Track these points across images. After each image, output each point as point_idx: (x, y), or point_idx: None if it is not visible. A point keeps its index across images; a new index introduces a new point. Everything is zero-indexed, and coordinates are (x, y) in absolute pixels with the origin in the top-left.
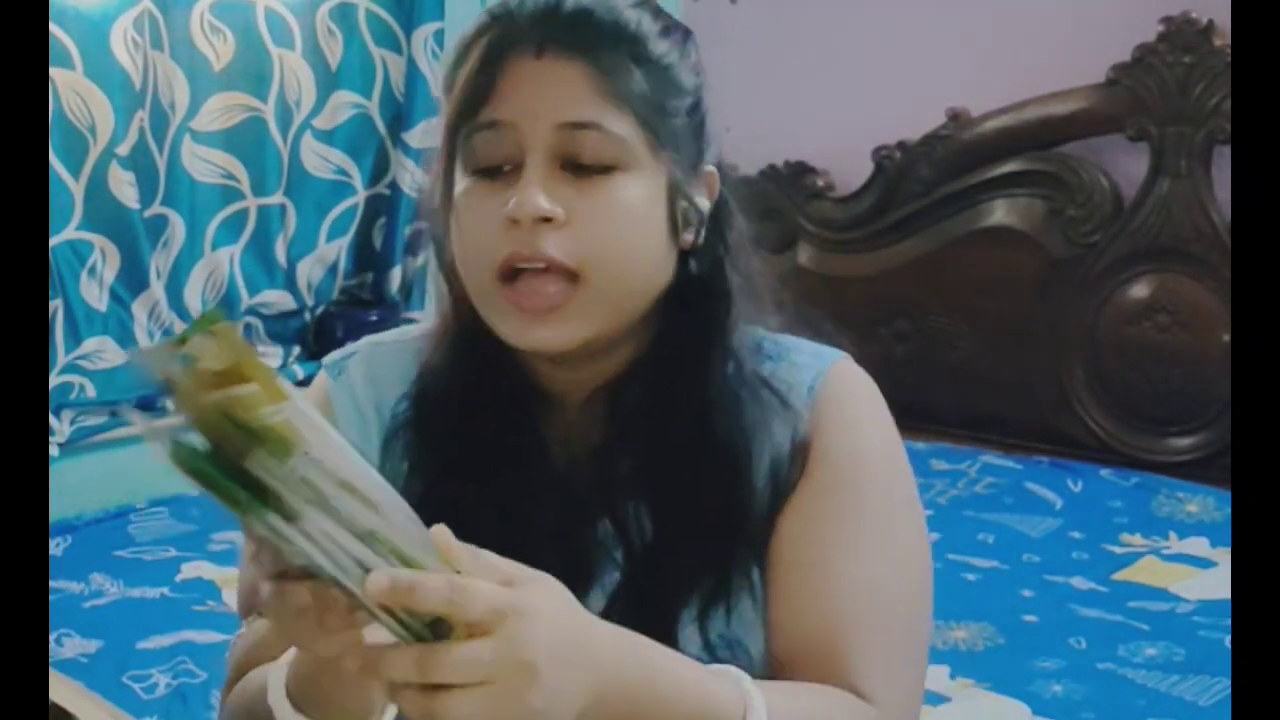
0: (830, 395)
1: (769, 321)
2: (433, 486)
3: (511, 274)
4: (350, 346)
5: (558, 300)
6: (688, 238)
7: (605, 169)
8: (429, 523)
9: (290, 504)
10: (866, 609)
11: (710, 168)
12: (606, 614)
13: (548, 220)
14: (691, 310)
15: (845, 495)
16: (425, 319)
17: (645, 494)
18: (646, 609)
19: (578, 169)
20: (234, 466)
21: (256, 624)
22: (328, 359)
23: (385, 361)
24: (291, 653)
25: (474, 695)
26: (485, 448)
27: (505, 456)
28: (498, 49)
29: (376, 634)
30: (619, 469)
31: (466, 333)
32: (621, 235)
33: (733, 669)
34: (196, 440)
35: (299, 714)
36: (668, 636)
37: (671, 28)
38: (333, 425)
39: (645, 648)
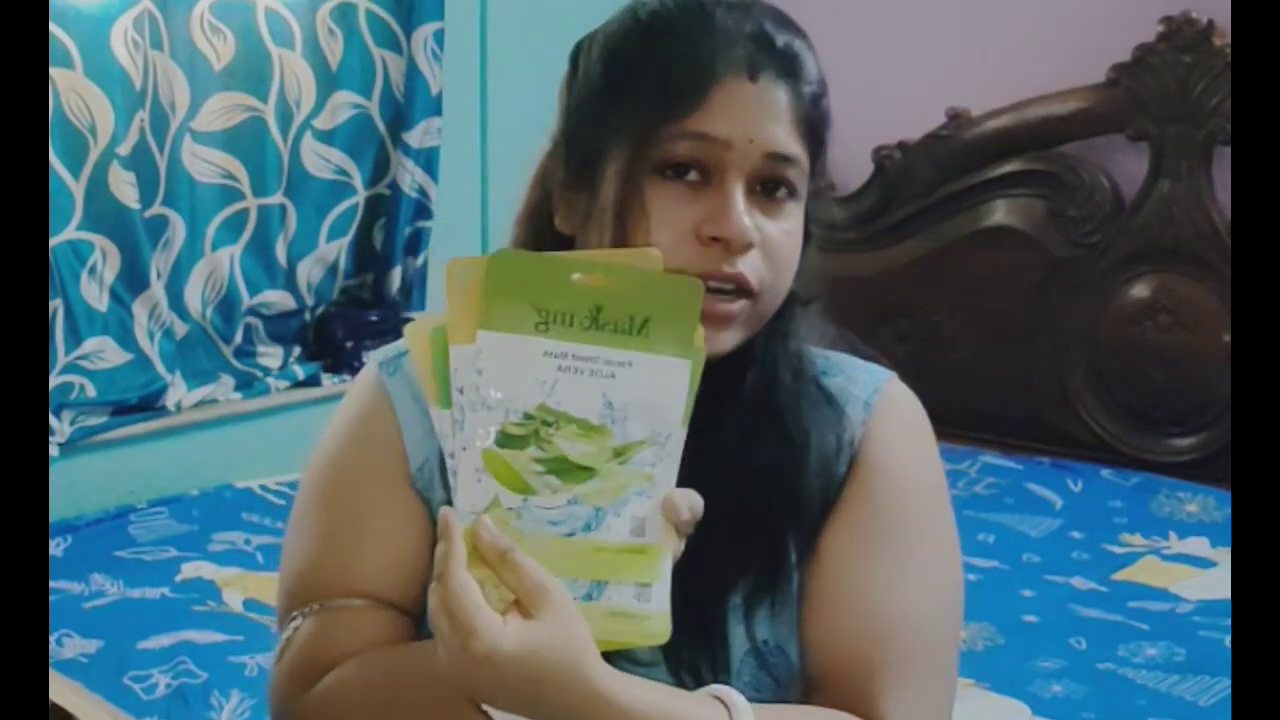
0: (885, 410)
1: (828, 329)
2: None
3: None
4: (400, 344)
5: (734, 311)
6: None
7: (784, 195)
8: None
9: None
10: (899, 633)
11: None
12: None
13: (747, 244)
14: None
15: (893, 514)
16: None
17: (702, 487)
18: (691, 604)
19: (764, 192)
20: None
21: (315, 620)
22: (379, 356)
23: None
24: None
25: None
26: None
27: None
28: (710, 60)
29: None
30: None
31: None
32: (790, 261)
33: (733, 693)
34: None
35: None
36: (718, 628)
37: (813, 48)
38: (394, 420)
39: (640, 693)
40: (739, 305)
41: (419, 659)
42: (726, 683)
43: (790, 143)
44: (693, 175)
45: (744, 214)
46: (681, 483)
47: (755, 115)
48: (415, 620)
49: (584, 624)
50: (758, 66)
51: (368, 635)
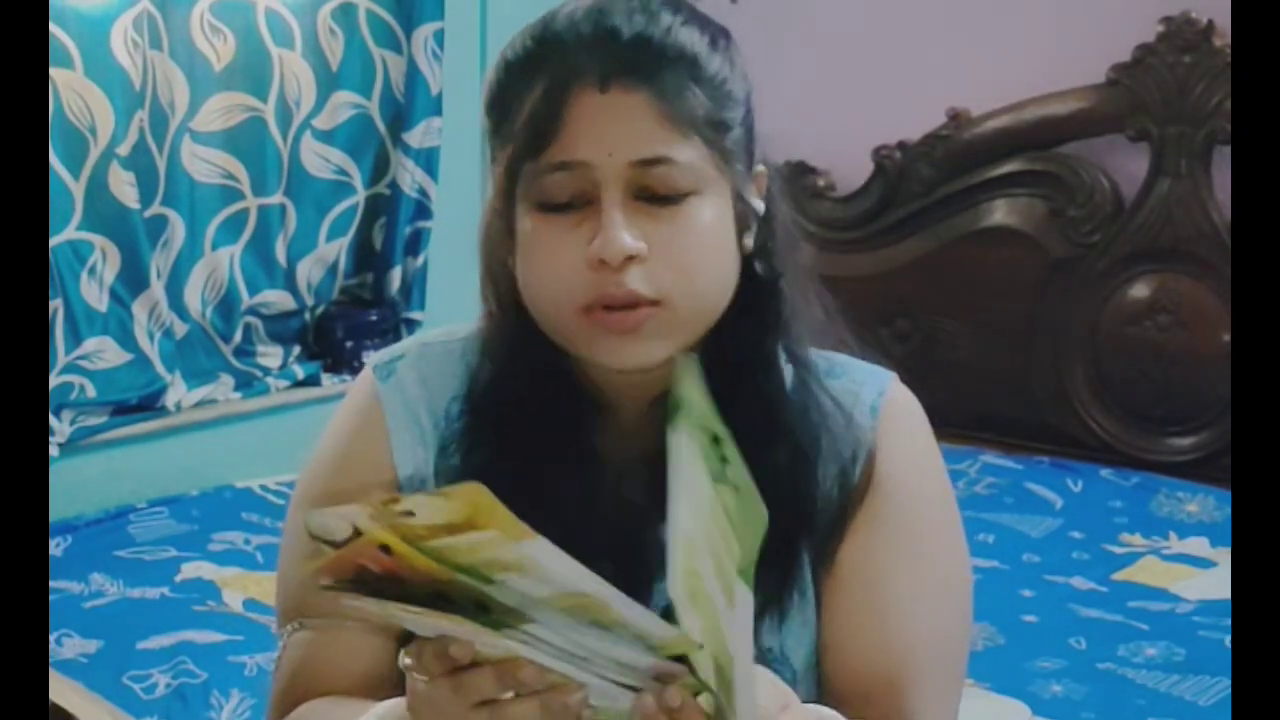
0: (892, 416)
1: (815, 314)
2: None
3: (595, 306)
4: (397, 348)
5: (643, 319)
6: (748, 242)
7: (678, 196)
8: None
9: (523, 612)
10: (924, 643)
11: (760, 168)
12: (664, 616)
13: (632, 258)
14: (752, 310)
15: (909, 521)
16: (425, 318)
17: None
18: None
19: (652, 199)
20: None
21: (303, 636)
22: (375, 360)
23: (435, 364)
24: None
25: None
26: (542, 455)
27: (563, 465)
28: (559, 83)
29: None
30: None
31: (521, 339)
32: (700, 259)
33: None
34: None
35: None
36: None
37: (716, 36)
38: (384, 429)
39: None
40: (641, 313)
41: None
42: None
43: (657, 144)
44: (575, 204)
45: (619, 228)
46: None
47: (611, 127)
48: (399, 641)
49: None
50: (608, 74)
51: (349, 657)
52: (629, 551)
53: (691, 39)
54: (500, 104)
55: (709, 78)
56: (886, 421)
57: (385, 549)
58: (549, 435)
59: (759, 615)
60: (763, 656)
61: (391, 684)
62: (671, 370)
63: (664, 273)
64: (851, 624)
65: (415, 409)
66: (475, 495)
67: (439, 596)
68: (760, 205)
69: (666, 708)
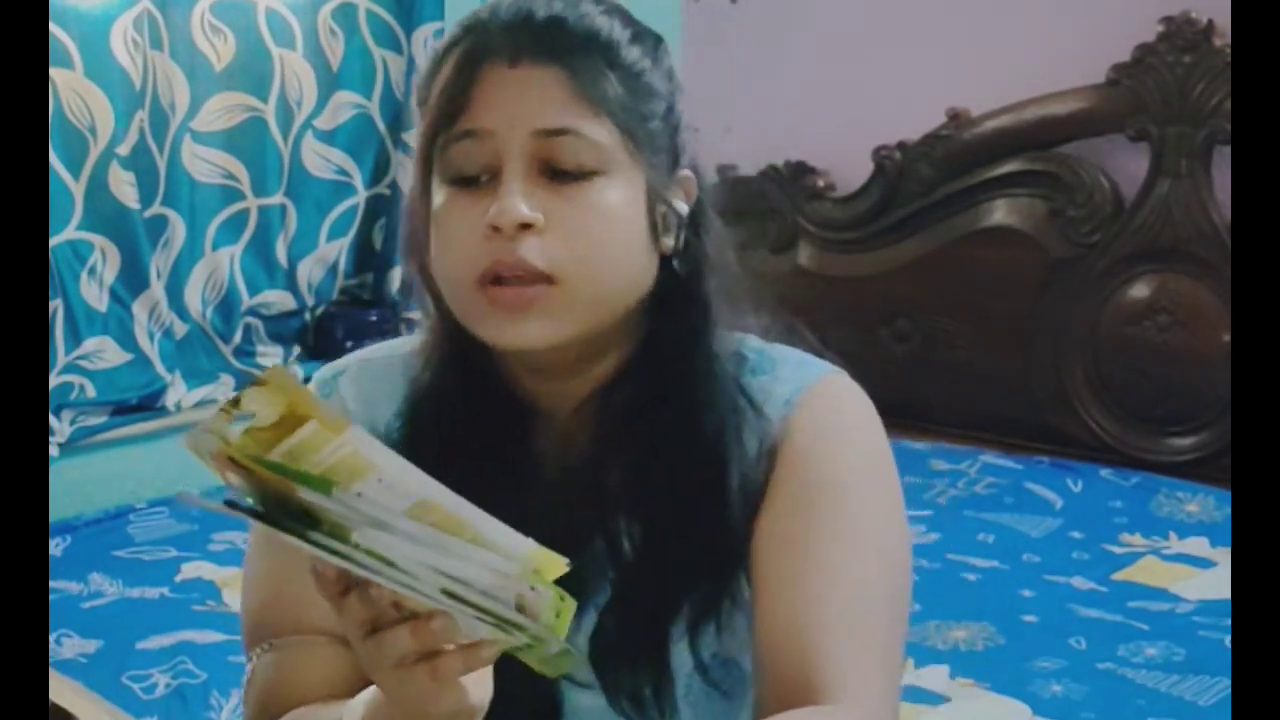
0: (807, 407)
1: (749, 324)
2: None
3: (493, 280)
4: (338, 364)
5: (534, 297)
6: (667, 242)
7: (583, 175)
8: None
9: (352, 527)
10: (835, 619)
11: (687, 172)
12: (598, 631)
13: (528, 227)
14: (673, 315)
15: (813, 507)
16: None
17: (634, 506)
18: (637, 625)
19: (556, 175)
20: (292, 503)
21: (271, 657)
22: (318, 376)
23: (375, 379)
24: (362, 697)
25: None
26: (478, 465)
27: (498, 473)
28: (472, 59)
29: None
30: (609, 481)
31: (454, 348)
32: (599, 239)
33: None
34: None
35: None
36: (659, 654)
37: (642, 34)
38: None
39: None
40: (534, 290)
41: (329, 714)
42: (671, 705)
43: (563, 117)
44: (484, 178)
45: (514, 196)
46: (614, 507)
47: (517, 98)
48: None
49: None
50: (518, 51)
51: (322, 672)
52: (571, 556)
53: (607, 25)
54: (423, 86)
55: (625, 65)
56: (797, 414)
57: (234, 462)
58: (485, 444)
59: (695, 629)
60: (703, 666)
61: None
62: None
63: (559, 248)
64: (767, 613)
65: (355, 422)
66: (282, 379)
67: (293, 514)
68: (683, 208)
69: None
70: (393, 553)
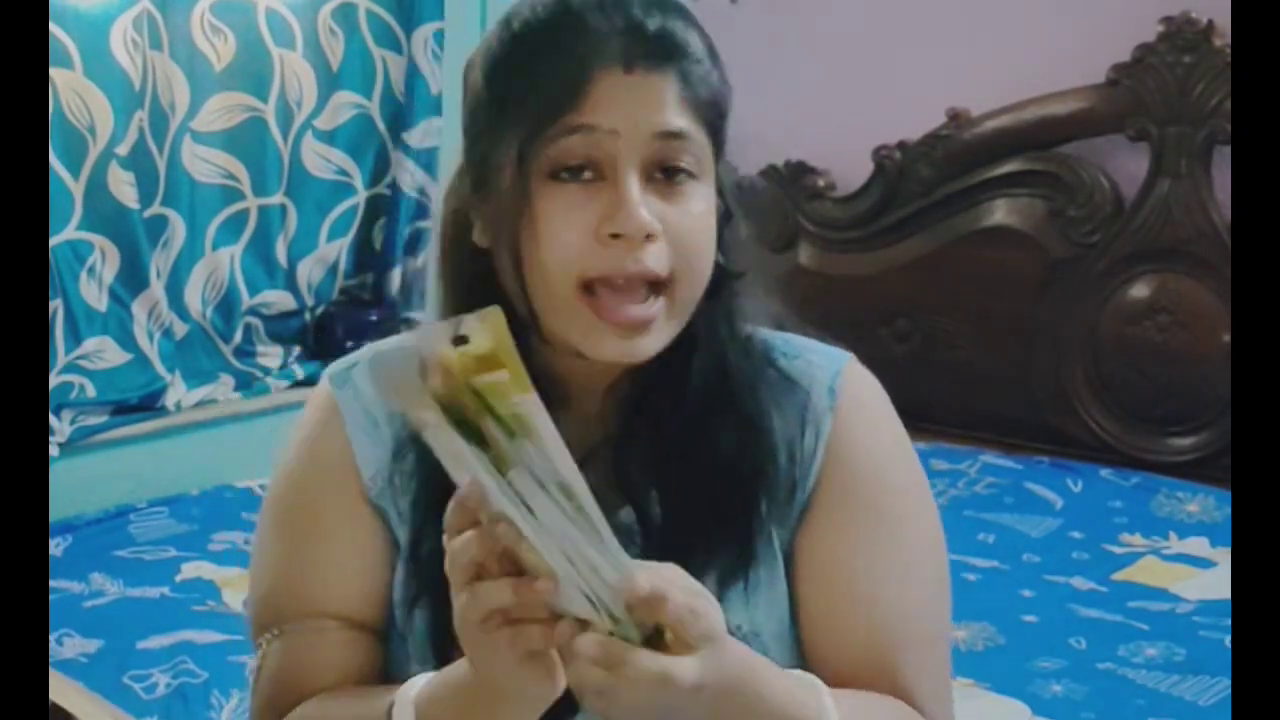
0: (849, 396)
1: (770, 307)
2: (440, 502)
3: (599, 285)
4: (352, 357)
5: (651, 315)
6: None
7: (683, 178)
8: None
9: (512, 464)
10: (905, 623)
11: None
12: None
13: (649, 236)
14: (711, 298)
15: (872, 499)
16: (425, 318)
17: (664, 479)
18: None
19: (662, 179)
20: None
21: (281, 643)
22: (331, 370)
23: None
24: (416, 682)
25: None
26: None
27: None
28: (582, 59)
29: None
30: (637, 455)
31: None
32: (700, 244)
33: (811, 678)
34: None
35: None
36: None
37: (712, 46)
38: (344, 434)
39: (751, 656)
40: (656, 307)
41: (373, 704)
42: None
43: (679, 119)
44: (587, 174)
45: (640, 205)
46: (643, 477)
47: (635, 101)
48: (379, 637)
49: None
50: (632, 58)
51: (333, 658)
52: None
53: (698, 36)
54: (508, 72)
55: (711, 74)
56: (844, 400)
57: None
58: None
59: (724, 588)
60: (731, 633)
61: (376, 678)
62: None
63: (671, 254)
64: (831, 614)
65: (372, 413)
66: (498, 321)
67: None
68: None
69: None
70: (534, 502)
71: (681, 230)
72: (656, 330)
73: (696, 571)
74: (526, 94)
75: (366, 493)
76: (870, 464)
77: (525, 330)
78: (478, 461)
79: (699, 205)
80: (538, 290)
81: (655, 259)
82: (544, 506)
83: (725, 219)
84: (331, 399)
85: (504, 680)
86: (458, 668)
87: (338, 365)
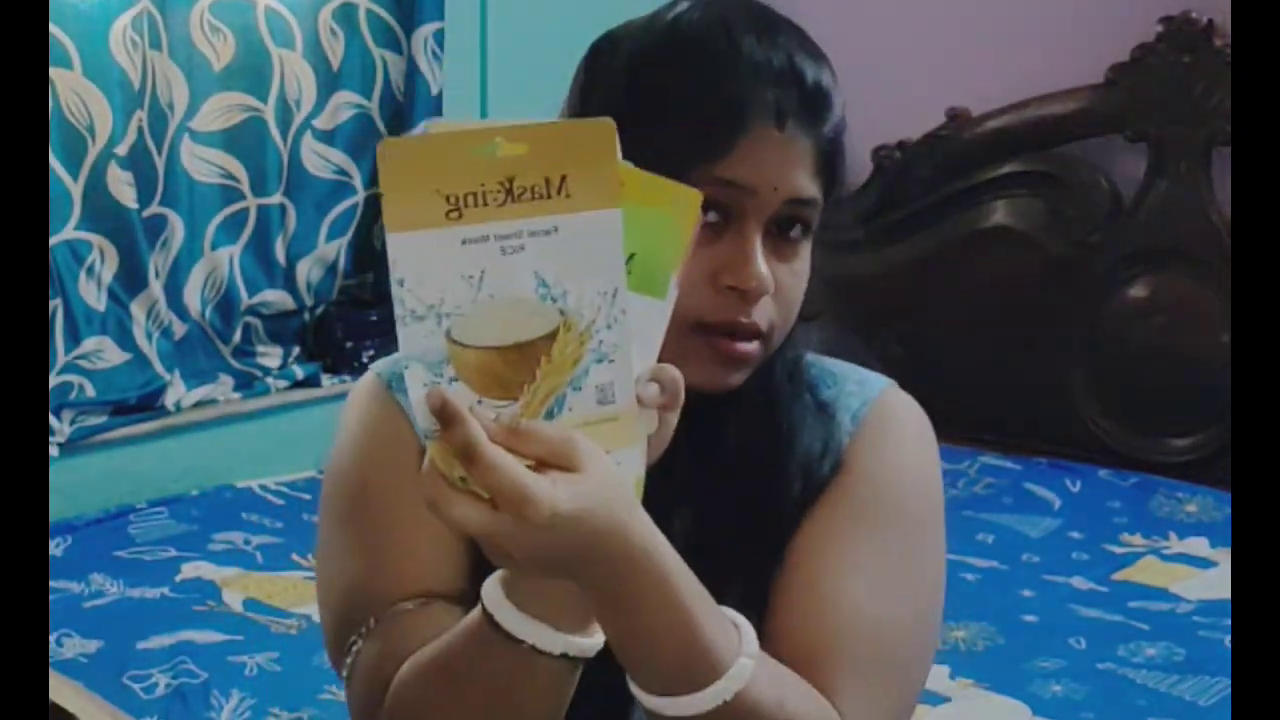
0: (877, 419)
1: (814, 338)
2: None
3: (715, 329)
4: (395, 363)
5: (753, 355)
6: None
7: (799, 235)
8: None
9: None
10: (861, 633)
11: None
12: None
13: (764, 294)
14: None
15: (870, 517)
16: None
17: (697, 502)
18: None
19: (779, 234)
20: None
21: (377, 630)
22: (385, 374)
23: None
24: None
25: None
26: None
27: None
28: (740, 104)
29: None
30: (678, 476)
31: None
32: (799, 299)
33: (740, 617)
34: None
35: (524, 614)
36: None
37: (837, 85)
38: (414, 434)
39: (675, 560)
40: (754, 346)
41: (463, 628)
42: None
43: (811, 187)
44: (712, 216)
45: (761, 263)
46: (687, 484)
47: (781, 163)
48: (468, 611)
49: (618, 473)
50: (785, 112)
51: (429, 632)
52: None
53: (837, 91)
54: (662, 82)
55: (842, 134)
56: (868, 424)
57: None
58: None
59: (745, 612)
60: None
61: None
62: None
63: (775, 310)
64: (793, 603)
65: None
66: None
67: None
68: None
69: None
70: None
71: (787, 288)
72: (749, 368)
73: (719, 595)
74: (676, 127)
75: None
76: (878, 479)
77: None
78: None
79: (804, 264)
80: None
81: (763, 314)
82: None
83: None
84: (394, 403)
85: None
86: None
87: (392, 369)
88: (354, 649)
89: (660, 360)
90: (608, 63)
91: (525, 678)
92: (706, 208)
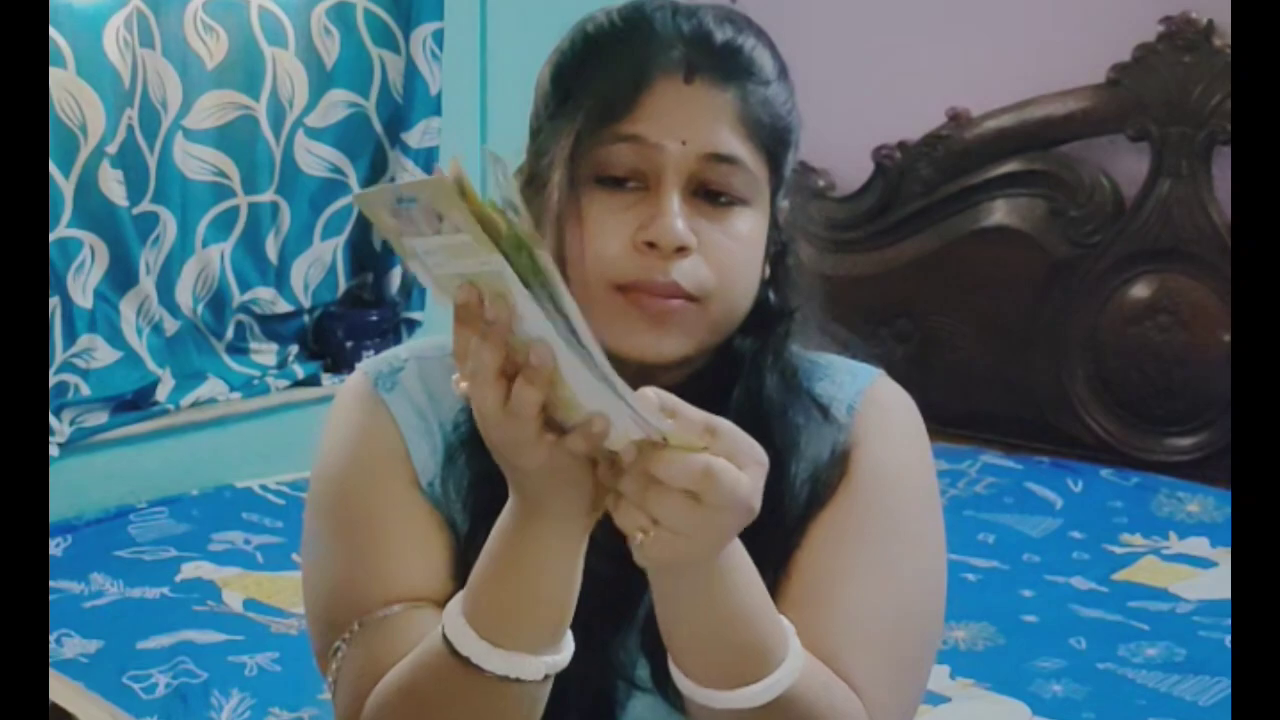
0: (870, 412)
1: (814, 339)
2: (496, 497)
3: (631, 288)
4: (392, 360)
5: (676, 310)
6: (767, 268)
7: (733, 202)
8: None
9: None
10: (878, 639)
11: (785, 202)
12: (651, 621)
13: (681, 249)
14: (757, 329)
15: (874, 514)
16: (425, 318)
17: None
18: None
19: (707, 198)
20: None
21: (362, 636)
22: (372, 371)
23: (437, 374)
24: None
25: (683, 502)
26: None
27: None
28: (643, 64)
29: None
30: None
31: None
32: (739, 266)
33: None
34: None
35: (485, 641)
36: None
37: (784, 68)
38: (399, 435)
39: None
40: (677, 304)
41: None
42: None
43: (732, 144)
44: (632, 184)
45: (676, 217)
46: None
47: (690, 117)
48: None
49: None
50: (694, 68)
51: (414, 639)
52: (626, 553)
53: (768, 59)
54: (573, 73)
55: (779, 100)
56: (863, 418)
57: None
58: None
59: None
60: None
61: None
62: (667, 376)
63: (705, 272)
64: (802, 605)
65: (426, 418)
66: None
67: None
68: (779, 236)
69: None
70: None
71: (718, 250)
72: (682, 334)
73: None
74: (585, 95)
75: (424, 490)
76: (879, 475)
77: None
78: (519, 284)
79: (744, 228)
80: (575, 288)
81: (686, 274)
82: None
83: (781, 254)
84: (381, 403)
85: (543, 495)
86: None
87: (379, 366)
88: (338, 654)
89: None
90: (539, 76)
91: (503, 705)
92: (624, 177)
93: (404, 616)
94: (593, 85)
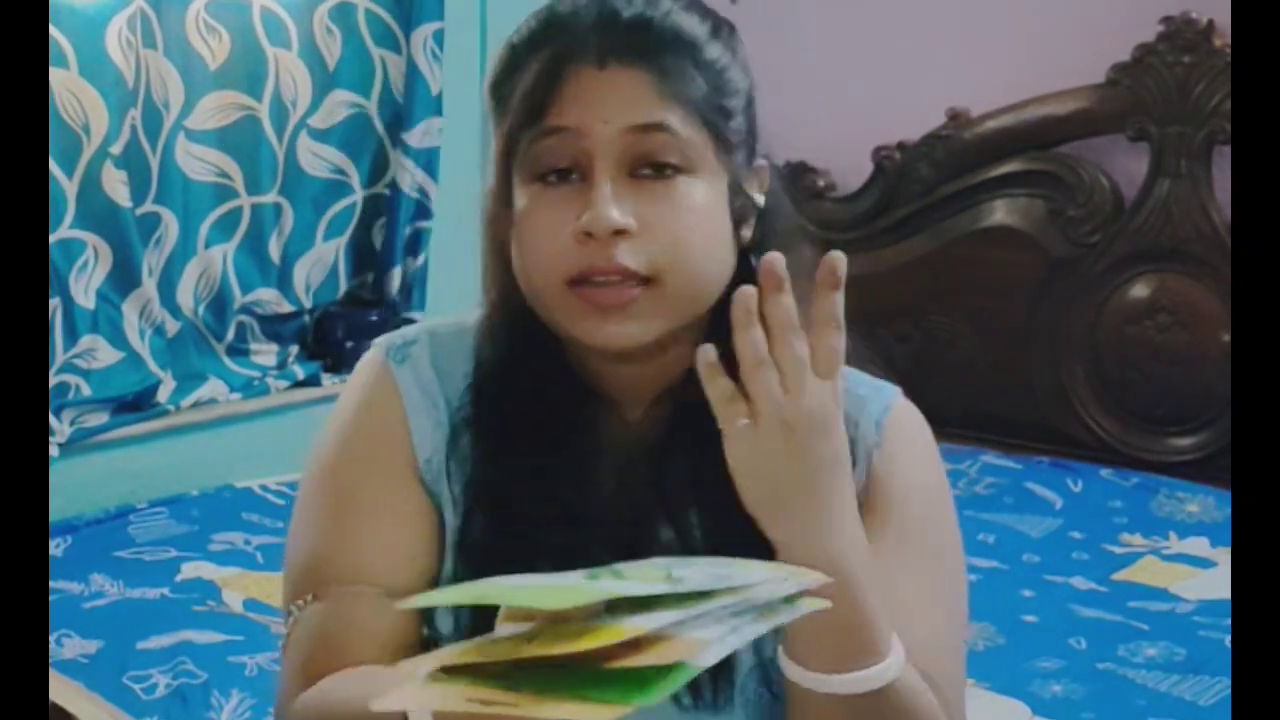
0: (897, 432)
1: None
2: (495, 481)
3: (584, 282)
4: (407, 333)
5: (630, 297)
6: (746, 234)
7: (671, 173)
8: (492, 511)
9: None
10: (928, 655)
11: (762, 162)
12: None
13: (621, 233)
14: None
15: (913, 534)
16: (425, 318)
17: (704, 503)
18: None
19: (645, 174)
20: None
21: (318, 607)
22: (387, 344)
23: (448, 350)
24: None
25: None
26: (546, 446)
27: (566, 456)
28: (557, 59)
29: None
30: (678, 473)
31: (521, 328)
32: (690, 239)
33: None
34: None
35: None
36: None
37: (719, 26)
38: (402, 411)
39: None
40: (629, 291)
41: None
42: (728, 700)
43: (654, 113)
44: (574, 177)
45: (608, 202)
46: (683, 497)
47: (607, 97)
48: (419, 613)
49: None
50: (606, 53)
51: (371, 625)
52: (628, 547)
53: (690, 24)
54: (502, 83)
55: (708, 63)
56: (891, 436)
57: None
58: (551, 426)
59: None
60: (763, 665)
61: (412, 649)
62: (665, 363)
63: (654, 249)
64: None
65: (431, 393)
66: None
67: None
68: (760, 199)
69: None
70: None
71: (663, 226)
72: (641, 319)
73: None
74: (512, 99)
75: (420, 473)
76: (914, 498)
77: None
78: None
79: (694, 197)
80: (533, 289)
81: (629, 255)
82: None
83: (765, 216)
84: (388, 373)
85: None
86: None
87: (394, 339)
88: (296, 615)
89: (551, 324)
90: (493, 61)
91: None
92: (565, 171)
93: (369, 600)
94: (518, 89)
